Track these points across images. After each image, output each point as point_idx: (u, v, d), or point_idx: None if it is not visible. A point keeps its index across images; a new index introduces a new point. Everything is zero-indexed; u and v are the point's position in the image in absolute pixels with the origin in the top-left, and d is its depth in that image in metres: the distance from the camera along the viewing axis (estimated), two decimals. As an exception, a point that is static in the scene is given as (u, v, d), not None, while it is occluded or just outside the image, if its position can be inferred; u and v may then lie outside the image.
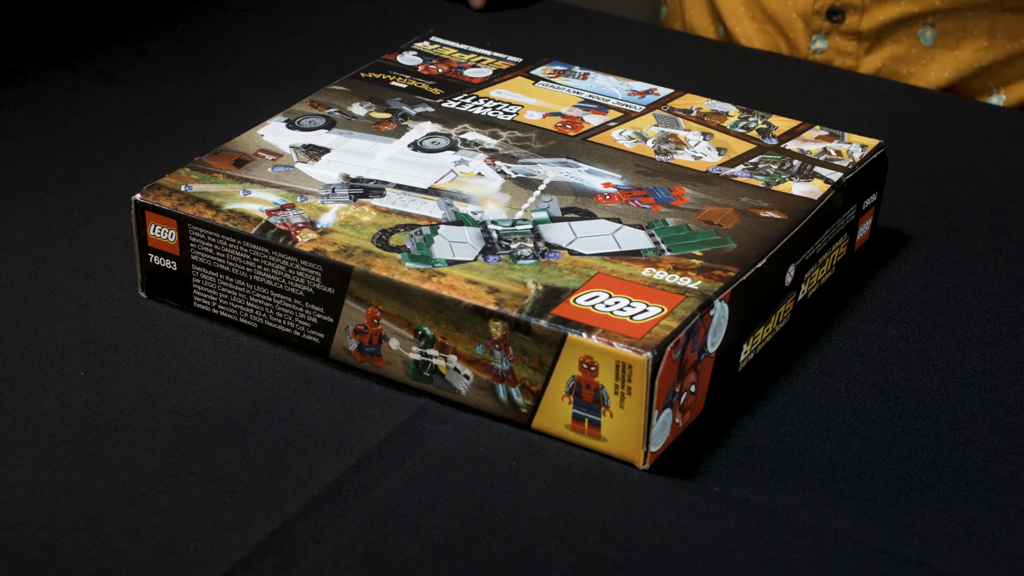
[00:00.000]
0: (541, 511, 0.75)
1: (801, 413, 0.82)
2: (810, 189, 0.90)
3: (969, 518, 0.76)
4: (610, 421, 0.78)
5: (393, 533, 0.74)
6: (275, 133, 0.94)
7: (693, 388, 0.80)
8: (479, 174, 0.91)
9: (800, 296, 0.89)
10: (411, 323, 0.81)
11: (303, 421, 0.81)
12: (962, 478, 0.78)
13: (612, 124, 0.96)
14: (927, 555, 0.73)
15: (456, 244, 0.84)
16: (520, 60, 1.04)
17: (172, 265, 0.88)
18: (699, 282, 0.81)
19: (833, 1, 1.26)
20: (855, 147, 0.94)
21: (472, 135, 0.94)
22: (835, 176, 0.91)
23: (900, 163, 1.03)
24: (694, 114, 0.98)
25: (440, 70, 1.02)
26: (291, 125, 0.95)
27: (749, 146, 0.95)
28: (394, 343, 0.82)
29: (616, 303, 0.79)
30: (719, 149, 0.94)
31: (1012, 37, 1.25)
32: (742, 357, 0.84)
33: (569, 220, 0.86)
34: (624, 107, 0.98)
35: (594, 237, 0.85)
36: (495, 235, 0.85)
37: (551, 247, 0.84)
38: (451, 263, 0.82)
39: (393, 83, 1.01)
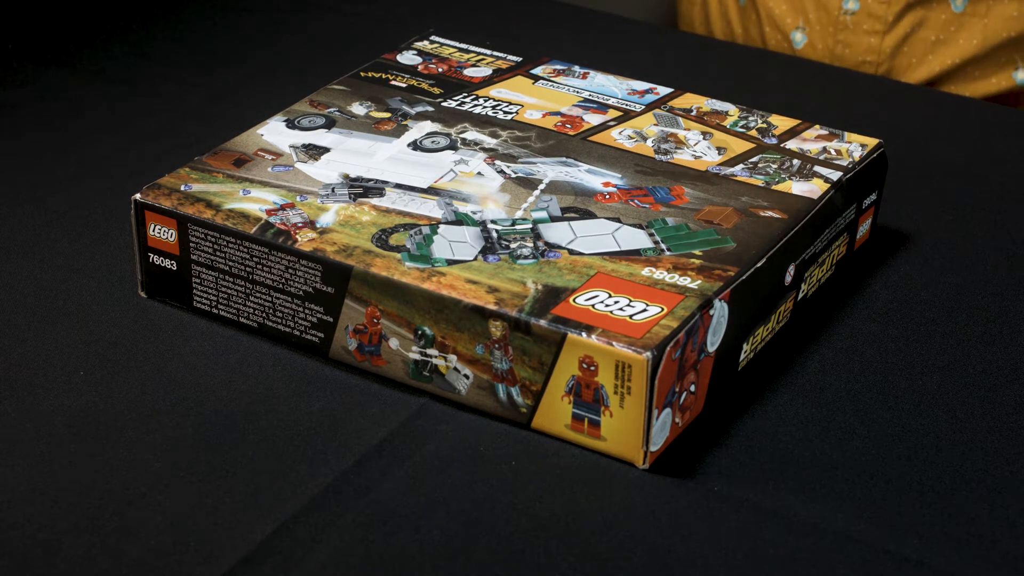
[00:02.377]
0: (541, 511, 0.75)
1: (801, 413, 0.82)
2: (810, 188, 0.90)
3: (969, 518, 0.76)
4: (610, 421, 0.78)
5: (393, 533, 0.74)
6: (275, 133, 0.94)
7: (693, 388, 0.80)
8: (479, 173, 0.91)
9: (800, 295, 0.89)
10: (411, 323, 0.81)
11: (303, 421, 0.81)
12: (962, 478, 0.78)
13: (612, 123, 0.96)
14: (927, 555, 0.73)
15: (456, 244, 0.84)
16: (520, 59, 1.04)
17: (172, 265, 0.88)
18: (699, 281, 0.81)
19: None
20: (855, 146, 0.94)
21: (472, 134, 0.94)
22: (835, 175, 0.91)
23: (900, 163, 1.03)
24: (694, 113, 0.98)
25: (440, 69, 1.02)
26: (291, 125, 0.95)
27: (749, 145, 0.95)
28: (394, 343, 0.82)
29: (616, 303, 0.79)
30: (719, 148, 0.94)
31: None
32: (742, 356, 0.84)
33: (569, 220, 0.86)
34: (624, 106, 0.98)
35: (594, 237, 0.85)
36: (495, 235, 0.85)
37: (551, 247, 0.84)
38: (451, 263, 0.82)
39: (393, 82, 1.01)
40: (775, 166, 0.92)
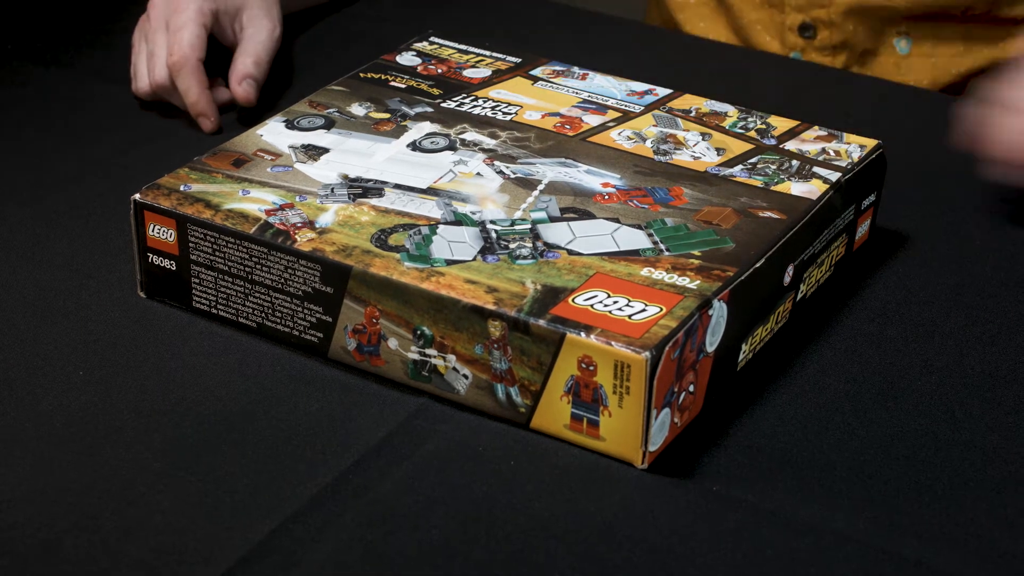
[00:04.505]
0: (540, 511, 0.75)
1: (800, 413, 0.82)
2: (809, 189, 0.90)
3: (968, 518, 0.76)
4: (609, 420, 0.78)
5: (392, 533, 0.74)
6: (274, 133, 0.94)
7: (692, 388, 0.80)
8: (478, 174, 0.91)
9: (799, 296, 0.89)
10: (410, 323, 0.81)
11: (302, 421, 0.81)
12: (960, 478, 0.78)
13: (611, 124, 0.96)
14: (925, 555, 0.73)
15: (455, 244, 0.84)
16: (519, 60, 1.04)
17: (171, 265, 0.88)
18: (698, 282, 0.81)
19: (803, 17, 1.25)
20: (854, 147, 0.95)
21: (471, 135, 0.95)
22: (834, 176, 0.91)
23: (899, 163, 1.03)
24: (693, 114, 0.98)
25: (439, 70, 1.03)
26: (290, 125, 0.95)
27: (748, 146, 0.95)
28: (393, 343, 0.82)
29: (615, 303, 0.79)
30: (718, 149, 0.94)
31: (989, 41, 1.25)
32: (741, 357, 0.84)
33: (568, 220, 0.86)
34: (623, 107, 0.99)
35: (593, 237, 0.85)
36: (494, 235, 0.85)
37: (550, 247, 0.84)
38: (450, 263, 0.82)
39: (392, 83, 1.01)
40: (774, 167, 0.92)
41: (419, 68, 1.03)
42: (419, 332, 0.81)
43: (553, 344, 0.77)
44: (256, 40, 1.11)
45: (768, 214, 0.87)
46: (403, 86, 1.00)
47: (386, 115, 0.97)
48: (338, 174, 0.90)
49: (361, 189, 0.89)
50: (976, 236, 0.99)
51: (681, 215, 0.87)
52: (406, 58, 1.04)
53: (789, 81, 1.19)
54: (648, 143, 0.95)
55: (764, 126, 0.97)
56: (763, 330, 0.86)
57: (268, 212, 0.86)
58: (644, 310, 0.78)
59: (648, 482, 0.78)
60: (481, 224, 0.86)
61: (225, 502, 0.75)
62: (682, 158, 0.93)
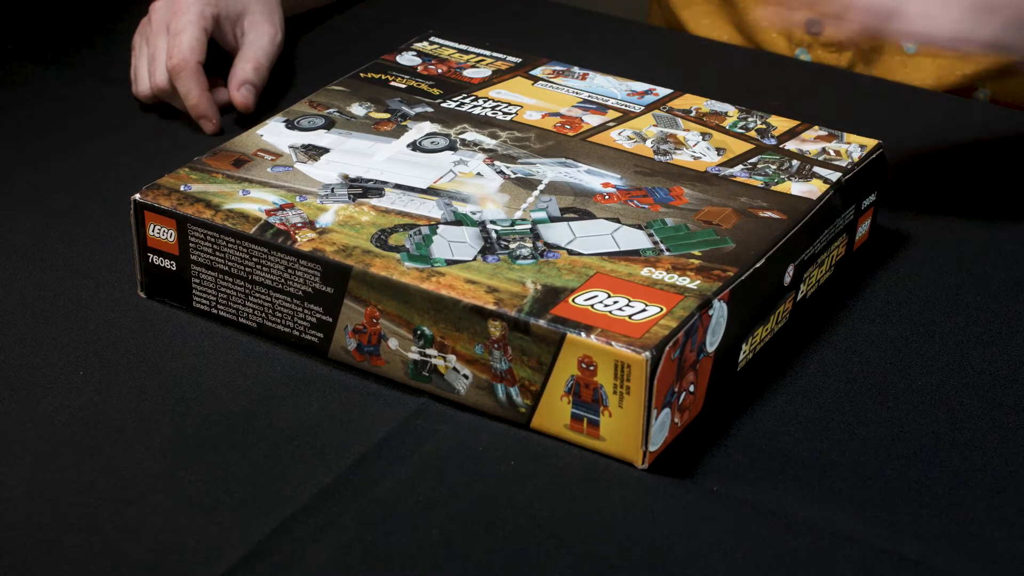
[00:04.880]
0: (540, 511, 0.75)
1: (800, 413, 0.82)
2: (809, 189, 0.90)
3: (968, 518, 0.76)
4: (609, 420, 0.78)
5: (392, 533, 0.74)
6: (274, 133, 0.94)
7: (692, 388, 0.80)
8: (478, 174, 0.91)
9: (799, 296, 0.89)
10: (410, 323, 0.81)
11: (302, 421, 0.81)
12: (961, 478, 0.78)
13: (611, 124, 0.96)
14: (925, 554, 0.73)
15: (455, 244, 0.84)
16: (519, 60, 1.04)
17: (171, 265, 0.88)
18: (698, 282, 0.81)
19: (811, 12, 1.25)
20: (854, 147, 0.95)
21: (471, 135, 0.95)
22: (834, 176, 0.91)
23: (899, 163, 1.03)
24: (693, 114, 0.98)
25: (439, 70, 1.03)
26: (290, 125, 0.95)
27: (748, 146, 0.95)
28: (393, 343, 0.82)
29: (615, 303, 0.79)
30: (718, 149, 0.94)
31: None
32: (741, 357, 0.84)
33: (568, 220, 0.86)
34: (623, 107, 0.99)
35: (593, 237, 0.85)
36: (494, 235, 0.85)
37: (550, 247, 0.84)
38: (450, 263, 0.82)
39: (392, 83, 1.01)
40: (774, 167, 0.92)
41: (419, 68, 1.03)
42: (419, 332, 0.81)
43: (553, 344, 0.77)
44: (257, 46, 1.11)
45: (768, 214, 0.87)
46: (403, 86, 1.00)
47: (386, 115, 0.97)
48: (338, 174, 0.90)
49: (361, 189, 0.89)
50: (976, 236, 0.99)
51: (681, 215, 0.87)
52: (406, 58, 1.04)
53: (791, 82, 1.19)
54: (648, 143, 0.95)
55: (764, 126, 0.97)
56: (763, 330, 0.86)
57: (268, 212, 0.86)
58: (644, 310, 0.78)
59: (648, 482, 0.77)
60: (481, 224, 0.86)
61: (225, 502, 0.75)
62: (682, 158, 0.93)
